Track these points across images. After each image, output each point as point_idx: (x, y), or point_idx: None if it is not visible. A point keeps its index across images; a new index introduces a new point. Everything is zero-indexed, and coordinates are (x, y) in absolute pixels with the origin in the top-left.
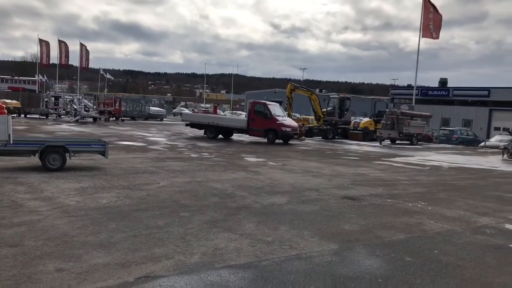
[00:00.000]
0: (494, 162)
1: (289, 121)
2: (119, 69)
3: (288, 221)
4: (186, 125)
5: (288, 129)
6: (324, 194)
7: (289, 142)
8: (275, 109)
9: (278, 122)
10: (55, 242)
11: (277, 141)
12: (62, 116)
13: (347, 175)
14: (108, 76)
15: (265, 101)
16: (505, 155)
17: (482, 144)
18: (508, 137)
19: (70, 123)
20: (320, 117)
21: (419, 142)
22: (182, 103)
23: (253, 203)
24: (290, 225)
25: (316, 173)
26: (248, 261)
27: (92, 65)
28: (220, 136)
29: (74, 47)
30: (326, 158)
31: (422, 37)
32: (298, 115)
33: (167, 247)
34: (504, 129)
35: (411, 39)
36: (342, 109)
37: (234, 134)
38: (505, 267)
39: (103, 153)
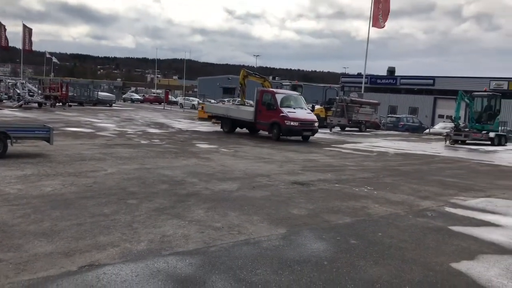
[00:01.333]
0: (437, 148)
1: (300, 114)
2: (66, 53)
3: (238, 207)
4: (209, 117)
5: (294, 123)
6: (274, 180)
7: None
8: (288, 98)
9: (282, 114)
10: None
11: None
12: (4, 101)
13: (298, 161)
14: (54, 60)
15: (273, 89)
16: (448, 142)
17: (427, 131)
18: (451, 124)
19: (12, 108)
20: None
21: (367, 129)
22: (133, 89)
23: (203, 189)
24: (239, 211)
25: (267, 159)
26: (196, 247)
27: (37, 48)
28: (246, 131)
29: (17, 28)
30: (278, 145)
31: (372, 26)
32: (251, 102)
33: (113, 235)
34: (447, 117)
35: (363, 28)
36: None
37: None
38: (443, 247)
39: (48, 140)
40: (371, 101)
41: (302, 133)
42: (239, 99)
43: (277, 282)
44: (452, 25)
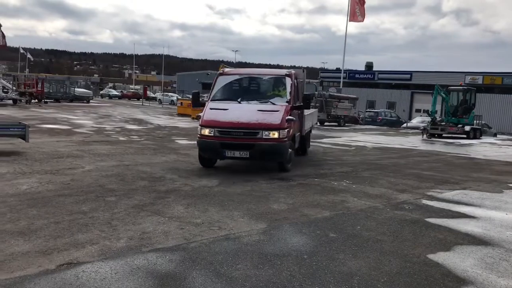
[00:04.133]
0: (415, 142)
1: (234, 113)
2: (41, 48)
3: (218, 202)
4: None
5: (206, 132)
6: (254, 175)
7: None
8: (236, 84)
9: (199, 114)
10: None
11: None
12: None
13: None
14: (28, 55)
15: (229, 68)
16: (425, 135)
17: (404, 125)
18: (428, 119)
19: None
20: None
21: (346, 124)
22: (110, 84)
23: (183, 186)
24: (220, 206)
25: None
26: (176, 243)
27: (11, 43)
28: None
29: None
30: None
31: (350, 21)
32: None
33: (92, 233)
34: (424, 111)
35: (343, 23)
36: None
37: None
38: (420, 239)
39: (23, 137)
40: (349, 95)
41: (221, 152)
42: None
43: (257, 276)
44: (432, 20)
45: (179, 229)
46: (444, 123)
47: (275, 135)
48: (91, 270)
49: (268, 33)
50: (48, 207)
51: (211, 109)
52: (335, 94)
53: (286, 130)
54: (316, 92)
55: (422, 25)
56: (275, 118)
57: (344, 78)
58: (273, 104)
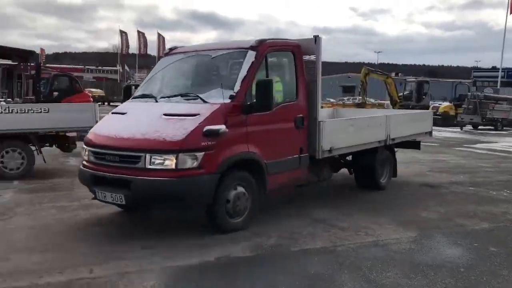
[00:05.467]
0: None
1: (128, 123)
2: None
3: (362, 207)
4: None
5: (86, 155)
6: (400, 181)
7: None
8: (166, 72)
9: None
10: None
11: None
12: None
13: (425, 162)
14: None
15: (182, 47)
16: None
17: None
18: None
19: None
20: (396, 102)
21: (504, 128)
22: None
23: (325, 188)
24: (364, 211)
25: None
26: (323, 245)
27: None
28: None
29: (152, 37)
30: None
31: (510, 13)
32: (373, 100)
33: (256, 229)
34: None
35: (502, 17)
36: (420, 93)
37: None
38: None
39: None
40: (508, 96)
41: (94, 192)
42: (360, 97)
43: (409, 286)
44: None
45: (325, 231)
46: None
47: (171, 162)
48: (244, 263)
49: (414, 31)
50: None
51: (112, 113)
52: (491, 95)
53: (200, 153)
54: (469, 93)
55: None
56: (178, 130)
57: (502, 77)
58: (203, 101)
